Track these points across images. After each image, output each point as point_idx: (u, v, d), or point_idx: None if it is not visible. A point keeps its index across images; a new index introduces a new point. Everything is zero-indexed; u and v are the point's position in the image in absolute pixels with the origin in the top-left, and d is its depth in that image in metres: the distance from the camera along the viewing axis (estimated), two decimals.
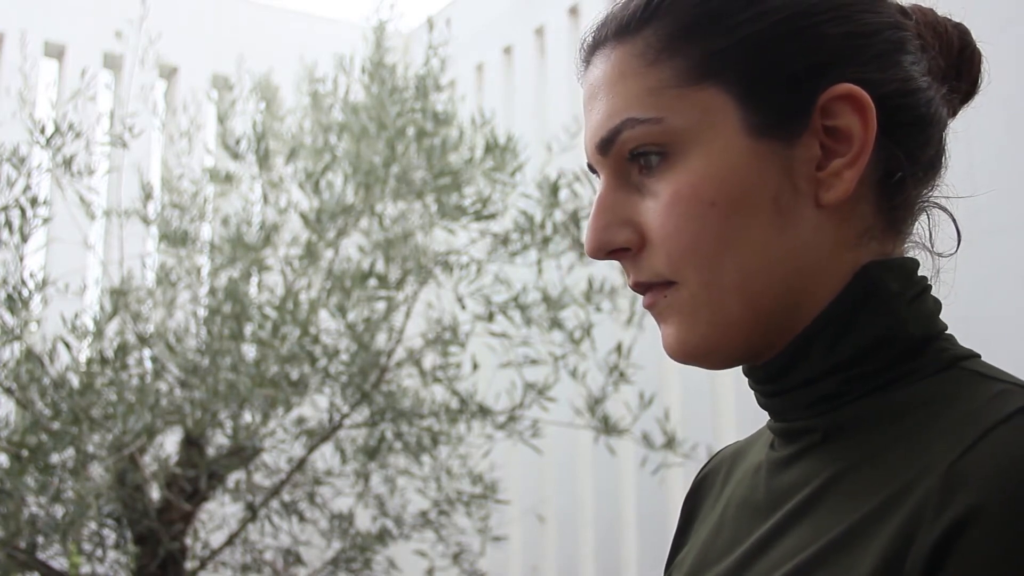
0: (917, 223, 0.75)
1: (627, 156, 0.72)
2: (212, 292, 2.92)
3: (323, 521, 3.06)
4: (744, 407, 3.27)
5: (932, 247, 0.74)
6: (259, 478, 2.99)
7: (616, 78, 0.71)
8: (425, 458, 2.99)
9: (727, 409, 3.34)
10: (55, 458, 2.55)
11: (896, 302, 0.69)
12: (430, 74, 2.89)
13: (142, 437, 2.49)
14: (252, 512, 2.84)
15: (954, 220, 0.74)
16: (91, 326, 2.71)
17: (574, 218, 2.68)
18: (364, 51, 3.18)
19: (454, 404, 2.87)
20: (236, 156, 2.93)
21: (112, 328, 2.85)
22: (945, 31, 0.75)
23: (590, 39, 0.74)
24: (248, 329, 2.76)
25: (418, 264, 2.72)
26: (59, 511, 2.58)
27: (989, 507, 0.55)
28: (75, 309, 2.93)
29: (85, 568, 2.81)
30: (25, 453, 2.46)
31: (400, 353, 2.88)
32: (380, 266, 2.75)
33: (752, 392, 0.85)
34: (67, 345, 2.52)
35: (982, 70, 0.76)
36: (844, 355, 0.69)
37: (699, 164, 0.68)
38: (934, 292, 0.74)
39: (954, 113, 0.75)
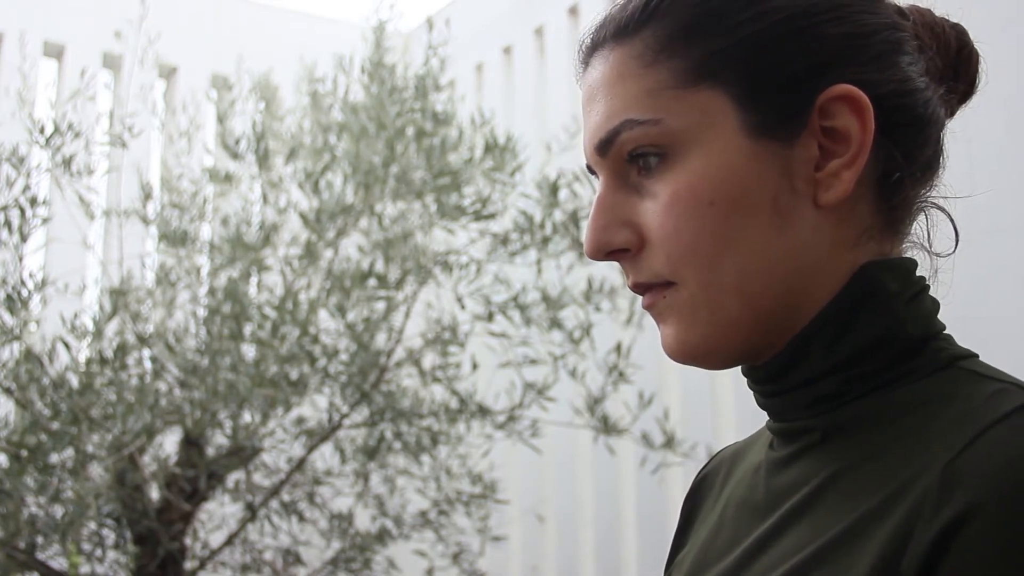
0: (915, 223, 0.74)
1: (626, 157, 0.72)
2: (212, 292, 2.92)
3: (323, 521, 3.06)
4: (744, 407, 3.27)
5: (930, 247, 0.74)
6: (258, 478, 2.99)
7: (614, 79, 0.72)
8: (425, 458, 2.99)
9: (727, 409, 3.34)
10: (54, 458, 2.55)
11: (895, 302, 0.69)
12: (430, 74, 2.89)
13: (142, 437, 2.49)
14: (252, 512, 2.84)
15: (952, 220, 0.74)
16: (90, 326, 2.71)
17: (574, 218, 2.67)
18: (364, 51, 3.18)
19: (454, 404, 2.87)
20: (236, 156, 2.93)
21: (111, 328, 2.85)
22: (943, 31, 0.75)
23: (588, 41, 0.75)
24: (248, 329, 2.76)
25: (417, 264, 2.72)
26: (58, 511, 2.58)
27: (986, 505, 0.56)
28: (74, 309, 2.93)
29: (84, 568, 2.81)
30: (24, 453, 2.46)
31: (400, 353, 2.88)
32: (380, 266, 2.75)
33: (750, 391, 0.85)
34: (66, 345, 2.52)
35: (980, 70, 0.76)
36: (843, 355, 0.69)
37: (698, 165, 0.68)
38: (932, 292, 0.72)
39: (952, 113, 0.75)
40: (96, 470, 2.66)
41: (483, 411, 2.82)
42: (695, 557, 0.79)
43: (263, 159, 2.87)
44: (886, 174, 0.70)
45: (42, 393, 2.56)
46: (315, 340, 2.70)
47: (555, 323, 2.78)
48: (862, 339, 0.68)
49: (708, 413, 3.37)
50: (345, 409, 2.83)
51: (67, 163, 2.69)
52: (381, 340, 2.87)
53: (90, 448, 2.61)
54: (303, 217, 2.68)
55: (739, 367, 0.80)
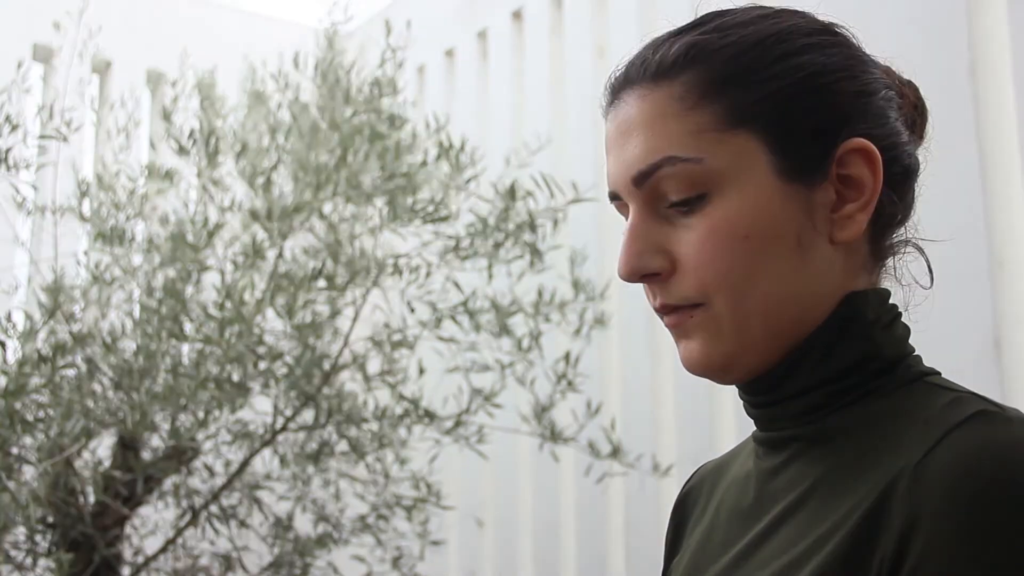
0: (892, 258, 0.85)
1: (667, 199, 0.78)
2: (150, 291, 2.86)
3: (263, 526, 3.02)
4: (685, 419, 3.31)
5: (900, 281, 0.85)
6: (196, 482, 2.94)
7: (655, 117, 0.79)
8: (367, 462, 2.96)
9: (667, 420, 3.37)
10: None
11: (872, 328, 0.78)
12: (385, 76, 2.87)
13: (80, 440, 2.43)
14: (194, 515, 2.79)
15: (926, 259, 0.86)
16: (23, 325, 2.63)
17: (531, 225, 2.68)
18: (312, 50, 3.15)
19: (399, 409, 2.86)
20: (182, 151, 2.88)
21: (44, 328, 2.77)
22: (907, 88, 0.86)
23: (621, 76, 0.80)
24: (189, 329, 2.70)
25: (366, 268, 2.70)
26: None
27: (948, 499, 0.65)
28: (5, 308, 2.84)
29: None
30: None
31: (346, 356, 2.86)
32: (328, 267, 2.72)
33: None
34: (2, 345, 2.44)
35: (928, 123, 0.87)
36: (829, 372, 0.78)
37: (735, 202, 0.76)
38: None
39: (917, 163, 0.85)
40: (29, 474, 2.58)
41: (429, 416, 2.81)
42: (689, 561, 0.85)
43: (212, 156, 2.82)
44: (880, 216, 0.80)
45: None
46: (260, 341, 2.66)
47: (504, 330, 2.79)
48: (845, 359, 0.78)
49: (649, 424, 3.40)
50: (289, 412, 2.80)
51: (3, 157, 2.61)
52: (326, 343, 2.84)
53: (16, 451, 2.54)
54: (253, 214, 2.64)
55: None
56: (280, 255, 2.80)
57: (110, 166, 3.13)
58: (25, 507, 2.30)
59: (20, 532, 2.69)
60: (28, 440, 2.56)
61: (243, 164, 2.88)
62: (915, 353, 0.81)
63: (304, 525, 3.15)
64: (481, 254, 2.75)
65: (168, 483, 2.90)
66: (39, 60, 4.55)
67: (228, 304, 2.59)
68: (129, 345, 2.79)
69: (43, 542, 2.74)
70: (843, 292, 0.79)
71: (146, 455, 2.85)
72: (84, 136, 4.13)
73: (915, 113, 0.86)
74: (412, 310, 2.86)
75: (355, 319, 2.90)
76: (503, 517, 3.97)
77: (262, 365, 2.72)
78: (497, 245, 2.71)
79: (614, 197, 0.83)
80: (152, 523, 3.03)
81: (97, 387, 2.75)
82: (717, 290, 0.77)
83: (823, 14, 0.84)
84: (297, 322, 2.67)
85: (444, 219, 2.67)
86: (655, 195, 0.79)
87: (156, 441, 2.89)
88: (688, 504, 0.96)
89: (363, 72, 3.03)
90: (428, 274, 2.81)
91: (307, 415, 2.85)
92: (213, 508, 2.89)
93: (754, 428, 0.87)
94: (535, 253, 2.77)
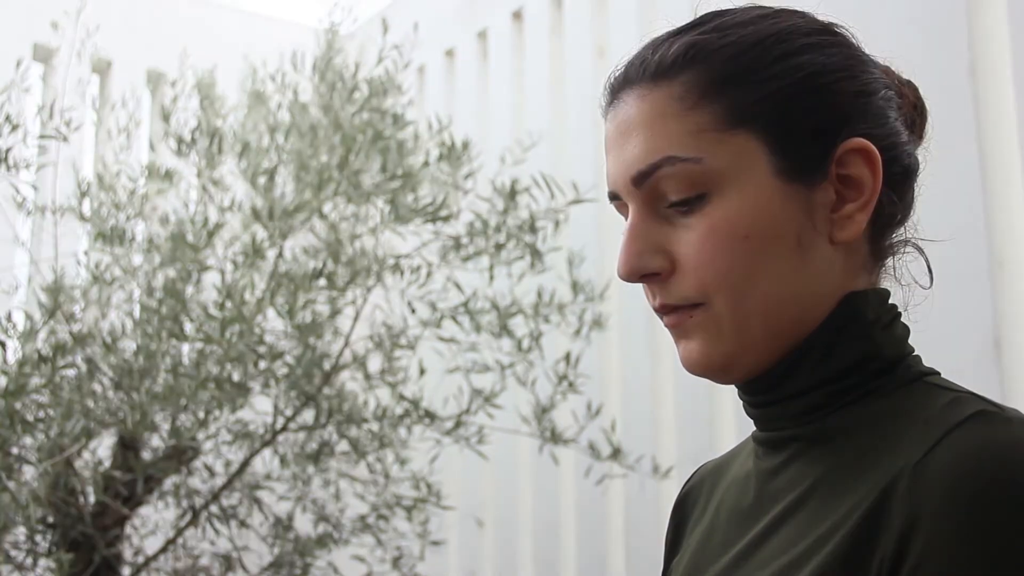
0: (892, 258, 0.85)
1: (667, 199, 0.78)
2: (150, 291, 2.86)
3: (263, 526, 3.02)
4: (685, 421, 3.30)
5: (900, 281, 0.84)
6: (197, 482, 2.94)
7: (655, 117, 0.78)
8: (367, 462, 2.96)
9: (667, 422, 3.37)
10: None
11: (872, 328, 0.78)
12: (387, 75, 2.87)
13: (81, 440, 2.42)
14: (194, 515, 2.79)
15: (926, 259, 0.86)
16: (24, 325, 2.63)
17: (531, 226, 2.68)
18: (312, 50, 3.15)
19: (399, 409, 2.86)
20: (181, 149, 2.87)
21: (44, 328, 2.77)
22: (905, 88, 0.83)
23: (621, 76, 0.80)
24: (189, 329, 2.70)
25: (367, 267, 2.70)
26: None
27: (948, 498, 0.65)
28: (5, 308, 2.84)
29: None
30: None
31: (346, 356, 2.86)
32: (328, 267, 2.72)
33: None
34: (2, 345, 2.44)
35: (927, 124, 0.87)
36: (829, 372, 0.78)
37: (735, 202, 0.76)
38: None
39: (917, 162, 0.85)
40: (30, 474, 2.58)
41: (430, 416, 2.81)
42: (689, 561, 0.85)
43: (212, 156, 2.82)
44: (879, 216, 0.80)
45: None
46: (260, 340, 2.66)
47: (505, 330, 2.79)
48: (845, 359, 0.78)
49: (649, 425, 3.40)
50: (289, 412, 2.80)
51: (3, 157, 2.61)
52: (327, 343, 2.84)
53: (16, 451, 2.54)
54: (254, 214, 2.64)
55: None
56: (280, 255, 2.80)
57: (110, 166, 3.13)
58: (25, 507, 2.30)
59: (20, 532, 2.69)
60: (28, 440, 2.56)
61: (243, 164, 2.88)
62: (915, 353, 0.81)
63: (304, 525, 3.15)
64: (482, 253, 2.75)
65: (168, 483, 2.90)
66: (39, 60, 4.55)
67: (228, 304, 2.59)
68: (129, 345, 2.79)
69: (43, 542, 2.74)
70: (843, 292, 0.79)
71: (146, 455, 2.85)
72: (84, 136, 4.13)
73: (915, 113, 0.85)
74: (413, 310, 2.86)
75: (355, 319, 2.90)
76: (503, 517, 3.97)
77: (262, 365, 2.72)
78: (498, 246, 2.71)
79: (614, 197, 0.83)
80: (152, 523, 3.03)
81: (97, 387, 2.75)
82: (717, 290, 0.77)
83: (823, 14, 0.83)
84: (297, 322, 2.67)
85: (445, 219, 2.67)
86: (655, 195, 0.79)
87: (156, 441, 2.89)
88: (688, 504, 0.96)
89: (363, 72, 3.03)
90: (429, 274, 2.81)
91: (307, 415, 2.85)
92: (213, 508, 2.89)
93: (754, 428, 0.86)
94: (535, 254, 2.77)
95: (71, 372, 2.71)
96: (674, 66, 0.78)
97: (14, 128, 2.64)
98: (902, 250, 0.85)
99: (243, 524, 2.92)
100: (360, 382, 2.92)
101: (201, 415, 2.72)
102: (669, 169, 0.77)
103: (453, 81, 4.67)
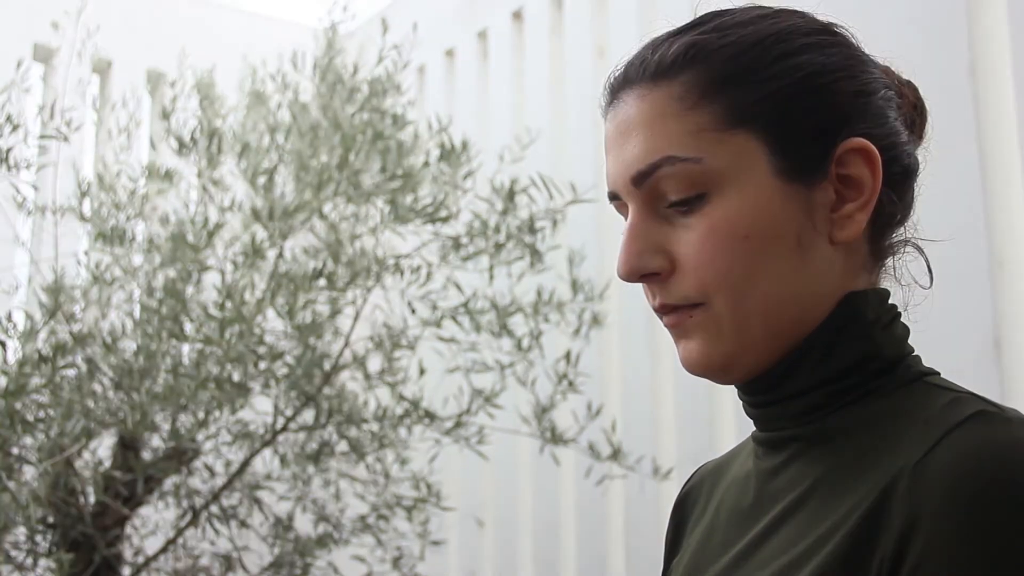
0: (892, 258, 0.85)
1: (666, 199, 0.78)
2: (150, 291, 2.85)
3: (263, 526, 3.02)
4: (684, 418, 3.30)
5: (900, 281, 0.85)
6: (197, 482, 2.94)
7: (654, 117, 0.78)
8: (367, 462, 2.96)
9: (667, 422, 3.37)
10: None
11: (872, 328, 0.78)
12: (387, 75, 2.87)
13: (81, 440, 2.42)
14: (194, 515, 2.79)
15: (926, 259, 0.86)
16: (24, 325, 2.63)
17: (530, 226, 2.68)
18: (312, 50, 3.15)
19: (399, 409, 2.86)
20: (182, 149, 2.87)
21: (44, 328, 2.77)
22: (904, 88, 0.83)
23: (621, 76, 0.80)
24: (189, 329, 2.70)
25: (367, 268, 2.70)
26: None
27: (947, 498, 0.65)
28: (5, 308, 2.84)
29: None
30: None
31: (346, 356, 2.86)
32: (328, 267, 2.72)
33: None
34: (2, 345, 2.44)
35: (927, 124, 0.87)
36: (829, 372, 0.78)
37: (734, 202, 0.76)
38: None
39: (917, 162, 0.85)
40: (29, 474, 2.58)
41: (430, 416, 2.81)
42: (689, 561, 0.85)
43: (212, 156, 2.82)
44: (879, 215, 0.80)
45: None
46: (260, 341, 2.66)
47: (505, 330, 2.79)
48: (845, 359, 0.78)
49: (649, 425, 3.40)
50: (289, 412, 2.80)
51: (4, 157, 2.61)
52: (327, 343, 2.84)
53: (16, 451, 2.54)
54: (254, 214, 2.64)
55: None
56: (280, 255, 2.80)
57: (110, 166, 3.13)
58: (25, 507, 2.30)
59: (20, 532, 2.69)
60: (28, 440, 2.56)
61: (243, 164, 2.88)
62: (915, 353, 0.81)
63: (304, 525, 3.15)
64: (482, 253, 2.75)
65: (168, 483, 2.90)
66: (39, 60, 4.55)
67: (228, 304, 2.59)
68: (129, 345, 2.79)
69: (43, 542, 2.74)
70: (843, 292, 0.79)
71: (146, 455, 2.85)
72: (84, 136, 4.13)
73: (915, 113, 0.85)
74: (413, 310, 2.86)
75: (355, 319, 2.90)
76: (503, 517, 3.97)
77: (262, 365, 2.72)
78: (498, 246, 2.71)
79: (613, 197, 0.83)
80: (152, 523, 3.03)
81: (97, 387, 2.75)
82: (717, 290, 0.77)
83: (823, 14, 0.83)
84: (297, 322, 2.67)
85: (445, 219, 2.67)
86: (654, 195, 0.79)
87: (156, 441, 2.89)
88: (688, 504, 0.96)
89: (363, 72, 3.03)
90: (429, 274, 2.81)
91: (307, 415, 2.85)
92: (213, 508, 2.89)
93: (754, 428, 0.86)
94: (535, 254, 2.77)
95: (71, 372, 2.71)
96: (674, 66, 0.78)
97: (15, 128, 2.64)
98: (902, 250, 0.85)
99: (243, 524, 2.92)
100: (360, 382, 2.92)
101: (201, 415, 2.72)
102: (669, 169, 0.77)
103: (453, 81, 4.67)
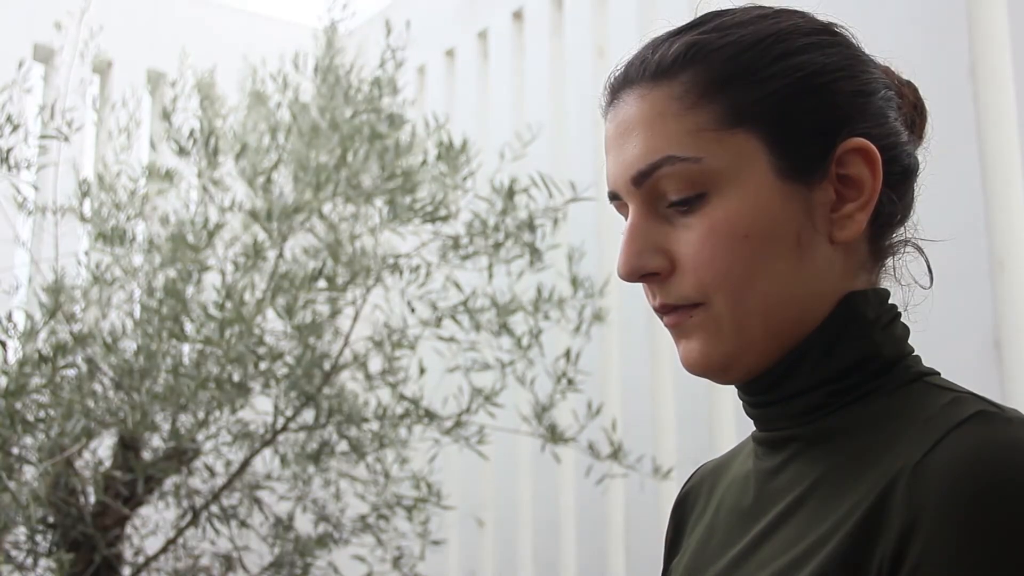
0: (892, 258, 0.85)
1: (668, 202, 0.78)
2: (150, 291, 2.85)
3: (263, 526, 3.02)
4: (684, 418, 3.30)
5: (900, 281, 0.85)
6: (197, 482, 2.94)
7: (654, 117, 0.78)
8: (367, 462, 2.96)
9: (668, 421, 3.37)
10: None
11: (871, 328, 0.78)
12: (386, 75, 2.87)
13: (82, 440, 2.42)
14: (194, 515, 2.79)
15: (926, 259, 0.86)
16: (24, 325, 2.63)
17: (529, 224, 2.68)
18: (312, 50, 3.15)
19: (399, 409, 2.86)
20: (182, 152, 2.87)
21: (45, 328, 2.77)
22: (906, 88, 0.83)
23: (621, 76, 0.80)
24: (189, 329, 2.70)
25: (366, 268, 2.70)
26: None
27: (947, 497, 0.65)
28: (5, 308, 2.84)
29: None
30: None
31: (346, 356, 2.86)
32: (328, 267, 2.72)
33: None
34: (2, 344, 2.44)
35: (927, 123, 0.87)
36: (829, 372, 0.78)
37: (734, 201, 0.76)
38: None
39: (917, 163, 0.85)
40: (29, 474, 2.58)
41: (430, 416, 2.81)
42: (689, 561, 0.85)
43: (212, 156, 2.82)
44: (878, 215, 0.80)
45: None
46: (260, 341, 2.66)
47: (504, 328, 2.79)
48: (845, 359, 0.78)
49: (649, 425, 3.40)
50: (289, 412, 2.80)
51: (4, 157, 2.61)
52: (327, 343, 2.84)
53: (16, 451, 2.54)
54: (254, 215, 2.64)
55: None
56: (280, 255, 2.80)
57: (111, 166, 3.13)
58: (26, 507, 2.30)
59: (21, 532, 2.69)
60: (28, 440, 2.56)
61: (243, 164, 2.88)
62: (915, 353, 0.81)
63: (304, 525, 3.15)
64: (481, 252, 2.75)
65: (169, 483, 2.90)
66: (40, 60, 4.55)
67: (228, 304, 2.59)
68: (130, 345, 2.79)
69: (44, 542, 2.74)
70: (843, 292, 0.79)
71: (147, 455, 2.85)
72: (85, 136, 4.13)
73: (915, 113, 0.85)
74: (412, 310, 2.86)
75: (355, 319, 2.90)
76: (503, 517, 3.97)
77: (262, 365, 2.72)
78: (497, 245, 2.71)
79: (614, 197, 0.83)
80: (153, 523, 3.03)
81: (98, 387, 2.75)
82: (716, 290, 0.77)
83: (823, 14, 0.83)
84: (297, 322, 2.67)
85: (444, 219, 2.67)
86: (654, 195, 0.79)
87: (157, 441, 2.89)
88: (688, 504, 0.96)
89: (362, 72, 3.03)
90: (428, 274, 2.81)
91: (307, 415, 2.85)
92: (214, 508, 2.89)
93: (754, 428, 0.86)
94: (534, 252, 2.77)
95: (71, 372, 2.71)
96: (674, 66, 0.78)
97: (15, 128, 2.64)
98: (902, 250, 0.85)
99: (243, 524, 2.92)
100: (360, 382, 2.92)
101: (201, 415, 2.72)
102: (669, 169, 0.77)
103: (453, 81, 4.67)
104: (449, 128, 2.89)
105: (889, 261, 0.84)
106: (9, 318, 2.55)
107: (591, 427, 2.96)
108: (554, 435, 2.81)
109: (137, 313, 2.92)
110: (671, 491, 3.10)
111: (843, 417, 0.78)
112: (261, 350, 2.69)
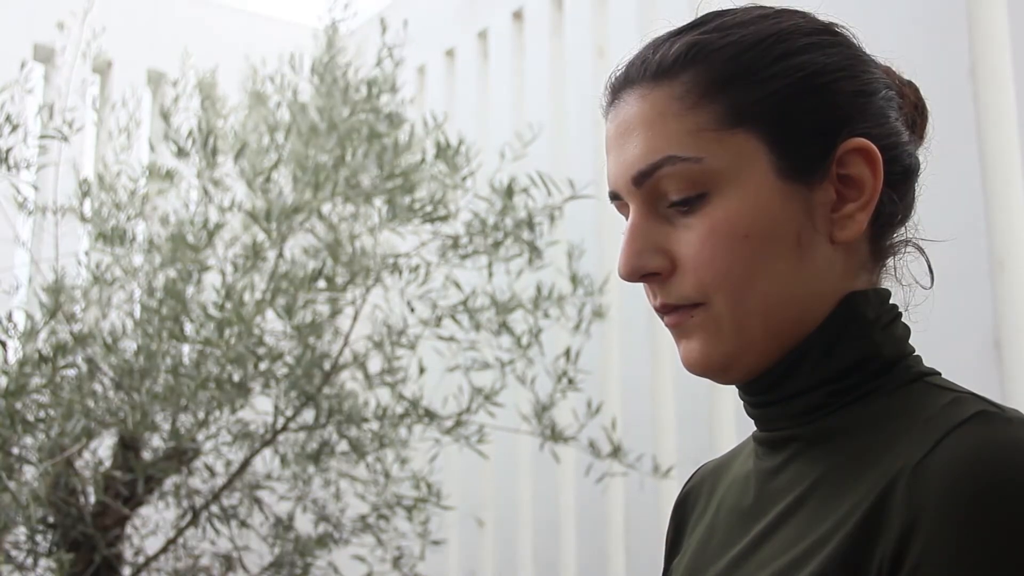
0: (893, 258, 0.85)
1: (669, 202, 0.78)
2: (150, 291, 2.85)
3: (263, 526, 3.02)
4: (684, 418, 3.30)
5: (900, 281, 0.85)
6: (197, 482, 2.94)
7: (655, 117, 0.78)
8: (367, 462, 2.96)
9: (668, 420, 3.37)
10: None
11: (872, 328, 0.78)
12: (384, 75, 2.87)
13: (82, 440, 2.42)
14: (194, 515, 2.79)
15: (926, 259, 0.86)
16: (24, 325, 2.63)
17: (529, 223, 2.68)
18: (312, 50, 3.15)
19: (399, 408, 2.86)
20: (182, 151, 2.87)
21: (45, 328, 2.77)
22: (907, 88, 0.83)
23: (622, 76, 0.80)
24: (189, 329, 2.70)
25: (366, 268, 2.70)
26: None
27: (948, 498, 0.65)
28: (5, 308, 2.84)
29: None
30: None
31: (346, 356, 2.86)
32: (327, 268, 2.72)
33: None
34: (2, 344, 2.44)
35: (928, 124, 0.87)
36: (829, 372, 0.78)
37: (735, 202, 0.76)
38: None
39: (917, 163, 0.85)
40: (30, 474, 2.58)
41: (430, 415, 2.81)
42: (690, 561, 0.85)
43: (211, 156, 2.82)
44: (879, 215, 0.80)
45: None
46: (260, 341, 2.66)
47: (504, 327, 2.79)
48: (845, 359, 0.78)
49: (649, 424, 3.40)
50: (289, 412, 2.80)
51: (4, 157, 2.61)
52: (327, 343, 2.84)
53: (16, 451, 2.54)
54: (253, 215, 2.64)
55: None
56: (280, 255, 2.80)
57: (111, 166, 3.13)
58: (26, 507, 2.30)
59: (21, 532, 2.69)
60: (29, 440, 2.56)
61: (243, 164, 2.88)
62: (915, 353, 0.81)
63: (305, 525, 3.15)
64: (480, 251, 2.75)
65: (169, 483, 2.90)
66: (40, 60, 4.55)
67: (228, 305, 2.59)
68: (130, 345, 2.79)
69: (44, 542, 2.74)
70: (843, 292, 0.79)
71: (147, 455, 2.85)
72: (85, 136, 4.14)
73: (915, 113, 0.85)
74: (412, 309, 2.86)
75: (355, 319, 2.90)
76: (503, 517, 3.97)
77: (262, 365, 2.72)
78: (496, 244, 2.71)
79: (614, 197, 0.83)
80: (153, 523, 3.03)
81: (98, 387, 2.75)
82: (717, 290, 0.77)
83: (823, 14, 0.83)
84: (297, 322, 2.67)
85: (443, 218, 2.67)
86: (655, 195, 0.79)
87: (157, 441, 2.88)
88: (688, 504, 0.96)
89: (361, 71, 3.03)
90: (428, 273, 2.80)
91: (307, 415, 2.85)
92: (214, 508, 2.89)
93: (754, 428, 0.86)
94: (534, 250, 2.77)
95: (71, 372, 2.71)
96: (675, 66, 0.78)
97: (15, 128, 2.64)
98: (903, 250, 0.85)
99: (243, 524, 2.92)
100: (360, 382, 2.92)
101: (201, 415, 2.72)
102: (669, 169, 0.77)
103: (453, 81, 4.67)
104: (447, 128, 2.89)
105: (890, 261, 0.84)
106: (9, 318, 2.55)
107: (591, 426, 2.96)
108: (554, 434, 2.81)
109: (137, 313, 2.92)
110: (671, 490, 3.10)
111: (843, 417, 0.78)
112: (261, 350, 2.69)
